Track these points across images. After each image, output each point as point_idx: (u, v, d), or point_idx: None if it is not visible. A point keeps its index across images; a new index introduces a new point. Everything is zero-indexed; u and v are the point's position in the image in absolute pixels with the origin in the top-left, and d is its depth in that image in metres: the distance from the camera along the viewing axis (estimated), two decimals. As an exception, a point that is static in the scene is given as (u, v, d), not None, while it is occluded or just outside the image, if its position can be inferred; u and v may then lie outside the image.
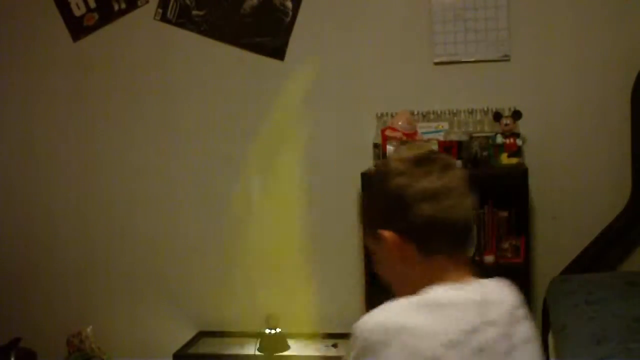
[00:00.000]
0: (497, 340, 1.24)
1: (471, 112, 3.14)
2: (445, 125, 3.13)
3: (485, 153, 3.01)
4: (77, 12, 3.50)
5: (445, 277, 1.29)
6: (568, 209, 3.11)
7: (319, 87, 3.32)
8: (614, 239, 3.00)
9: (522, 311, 1.33)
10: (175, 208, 3.51)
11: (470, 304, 1.25)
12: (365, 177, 1.51)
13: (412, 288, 1.29)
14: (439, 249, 1.29)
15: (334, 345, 3.23)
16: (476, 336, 1.21)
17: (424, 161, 1.30)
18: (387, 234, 1.30)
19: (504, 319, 1.27)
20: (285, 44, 3.32)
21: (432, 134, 3.09)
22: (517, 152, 3.00)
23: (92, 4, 3.48)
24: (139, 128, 3.52)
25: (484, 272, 3.22)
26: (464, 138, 3.03)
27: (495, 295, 1.30)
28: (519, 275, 2.96)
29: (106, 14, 3.47)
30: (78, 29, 3.51)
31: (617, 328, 2.24)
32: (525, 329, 1.31)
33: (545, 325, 2.80)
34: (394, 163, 1.32)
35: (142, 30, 3.44)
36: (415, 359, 1.18)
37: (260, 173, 3.42)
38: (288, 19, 3.30)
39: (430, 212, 1.27)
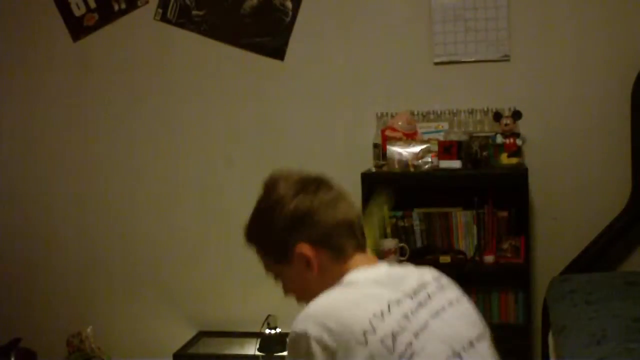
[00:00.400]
0: (421, 305, 1.33)
1: (471, 112, 3.14)
2: (445, 125, 3.13)
3: (485, 153, 3.01)
4: (77, 12, 3.50)
5: (355, 266, 1.42)
6: (568, 209, 3.11)
7: (319, 87, 3.32)
8: (614, 238, 3.00)
9: (444, 279, 1.45)
10: (175, 208, 3.51)
11: (387, 278, 1.38)
12: (260, 211, 1.45)
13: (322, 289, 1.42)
14: (346, 247, 1.43)
15: (334, 345, 3.23)
16: (400, 306, 1.31)
17: (308, 181, 1.51)
18: (302, 247, 1.41)
19: (424, 286, 1.38)
20: (285, 44, 3.32)
21: (432, 134, 3.10)
22: (517, 152, 3.00)
23: (92, 4, 3.48)
24: (139, 128, 3.52)
25: (484, 272, 3.20)
26: (464, 138, 3.03)
27: (410, 269, 1.46)
28: (519, 275, 2.97)
29: (106, 14, 3.47)
30: (78, 29, 3.51)
31: (617, 328, 2.24)
32: (451, 293, 1.41)
33: (545, 325, 2.80)
34: (282, 190, 1.48)
35: (142, 30, 3.45)
36: (347, 337, 1.25)
37: (260, 173, 3.42)
38: (288, 19, 3.30)
39: (335, 216, 1.44)
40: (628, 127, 3.02)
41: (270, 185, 1.53)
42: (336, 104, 3.31)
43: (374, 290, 1.34)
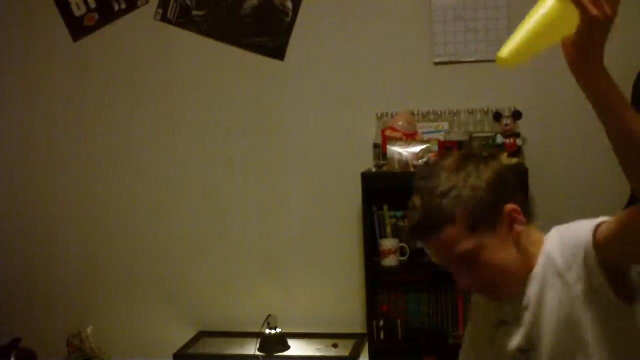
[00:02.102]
0: None
1: (471, 112, 3.14)
2: (445, 125, 3.13)
3: (485, 153, 3.00)
4: (77, 12, 3.50)
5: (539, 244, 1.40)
6: (568, 209, 3.11)
7: (318, 87, 3.32)
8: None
9: None
10: (175, 208, 3.51)
11: None
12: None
13: (524, 267, 1.38)
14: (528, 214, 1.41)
15: (334, 345, 3.23)
16: None
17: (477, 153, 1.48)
18: (510, 206, 1.36)
19: None
20: (285, 44, 3.32)
21: (432, 134, 3.10)
22: (517, 152, 3.00)
23: (92, 4, 3.48)
24: (139, 128, 3.52)
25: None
26: (464, 138, 3.03)
27: None
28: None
29: (106, 14, 3.47)
30: (78, 29, 3.51)
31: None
32: None
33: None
34: (463, 160, 1.40)
35: (142, 30, 3.44)
36: None
37: (260, 173, 3.42)
38: (288, 19, 3.30)
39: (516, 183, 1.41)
40: (628, 127, 3.01)
41: (436, 168, 1.40)
42: (336, 103, 3.31)
43: None
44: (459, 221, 1.33)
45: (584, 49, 1.19)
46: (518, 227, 1.37)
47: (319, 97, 3.32)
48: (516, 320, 1.43)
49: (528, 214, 1.41)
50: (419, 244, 3.10)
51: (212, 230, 3.48)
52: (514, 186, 1.40)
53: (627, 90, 3.00)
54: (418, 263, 3.06)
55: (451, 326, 3.11)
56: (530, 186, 2.97)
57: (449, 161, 1.40)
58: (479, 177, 1.35)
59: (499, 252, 1.35)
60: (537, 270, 1.38)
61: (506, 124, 3.00)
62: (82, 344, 3.42)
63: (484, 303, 1.51)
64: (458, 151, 1.48)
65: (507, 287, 1.39)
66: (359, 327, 3.24)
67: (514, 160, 2.98)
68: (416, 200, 1.39)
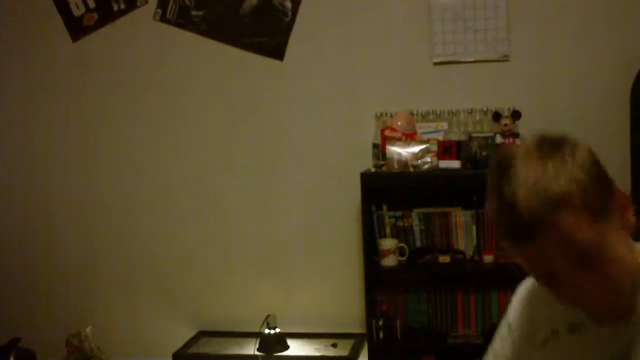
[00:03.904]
0: None
1: (470, 112, 3.14)
2: (444, 125, 3.13)
3: (484, 153, 3.00)
4: (77, 12, 3.50)
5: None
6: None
7: (318, 87, 3.32)
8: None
9: None
10: (175, 208, 3.51)
11: None
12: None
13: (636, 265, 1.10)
14: None
15: (334, 345, 3.23)
16: None
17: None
18: (619, 190, 1.11)
19: None
20: (284, 44, 3.31)
21: (432, 134, 3.10)
22: (516, 152, 2.99)
23: (92, 4, 3.48)
24: (138, 128, 3.52)
25: (483, 271, 3.19)
26: (463, 138, 3.03)
27: None
28: (519, 274, 2.96)
29: (105, 14, 3.47)
30: (77, 29, 3.51)
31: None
32: None
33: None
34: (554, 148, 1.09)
35: (141, 30, 3.44)
36: None
37: (259, 173, 3.42)
38: (287, 19, 3.30)
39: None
40: (628, 127, 3.02)
41: (531, 152, 1.08)
42: (335, 103, 3.31)
43: None
44: (578, 204, 1.04)
45: None
46: (631, 217, 1.11)
47: (318, 97, 3.32)
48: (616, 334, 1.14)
49: None
50: (418, 244, 3.10)
51: (212, 230, 3.48)
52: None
53: (627, 90, 3.00)
54: (417, 263, 3.06)
55: (450, 326, 3.10)
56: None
57: (530, 148, 1.10)
58: (579, 156, 1.08)
59: (621, 247, 1.06)
60: None
61: (505, 124, 3.00)
62: (81, 344, 3.42)
63: (546, 301, 1.22)
64: (530, 138, 1.13)
65: (622, 296, 1.09)
66: (358, 327, 3.24)
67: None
68: (508, 195, 1.06)
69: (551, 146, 1.09)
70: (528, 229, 1.05)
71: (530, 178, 1.05)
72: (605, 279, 1.06)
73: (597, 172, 1.08)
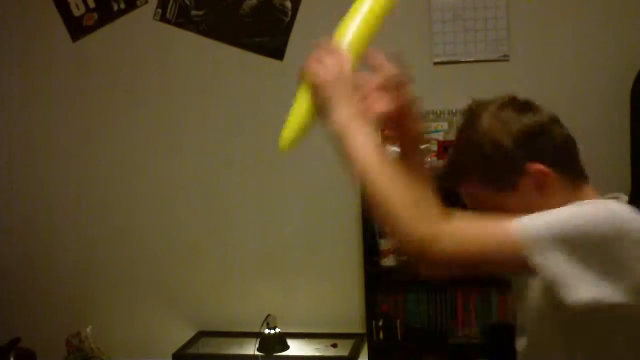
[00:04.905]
0: None
1: (470, 112, 3.13)
2: (444, 125, 3.12)
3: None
4: (77, 12, 3.50)
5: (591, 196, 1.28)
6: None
7: (318, 87, 3.31)
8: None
9: None
10: (175, 208, 3.51)
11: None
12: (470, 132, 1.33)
13: None
14: (581, 170, 1.34)
15: (334, 345, 3.23)
16: None
17: (527, 100, 1.35)
18: (535, 165, 1.26)
19: None
20: (284, 44, 3.31)
21: (431, 133, 3.09)
22: (516, 152, 2.99)
23: (92, 4, 3.48)
24: (138, 128, 3.52)
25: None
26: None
27: None
28: (518, 274, 2.96)
29: (105, 14, 3.47)
30: (77, 29, 3.51)
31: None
32: None
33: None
34: (499, 107, 1.32)
35: (141, 30, 3.44)
36: None
37: (259, 173, 3.42)
38: (287, 19, 3.30)
39: (563, 133, 1.31)
40: (628, 127, 3.02)
41: (480, 111, 1.34)
42: (335, 103, 3.30)
43: None
44: (477, 178, 1.31)
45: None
46: (547, 190, 1.27)
47: (318, 97, 3.31)
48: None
49: (575, 175, 1.33)
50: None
51: (212, 230, 3.48)
52: (552, 145, 1.29)
53: (627, 90, 3.00)
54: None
55: (450, 326, 3.10)
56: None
57: (492, 106, 1.32)
58: (508, 130, 1.27)
59: (518, 211, 1.21)
60: None
61: (505, 124, 2.99)
62: (81, 344, 3.42)
63: None
64: (505, 95, 1.37)
65: None
66: (358, 327, 3.24)
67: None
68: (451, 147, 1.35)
69: (500, 111, 1.30)
70: (446, 183, 1.36)
71: (457, 141, 1.37)
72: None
73: (513, 150, 1.26)
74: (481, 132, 1.30)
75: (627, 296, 1.10)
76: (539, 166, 1.26)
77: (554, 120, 1.33)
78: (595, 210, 1.19)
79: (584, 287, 1.10)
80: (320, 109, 1.36)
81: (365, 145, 1.33)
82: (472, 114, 1.36)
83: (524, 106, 1.32)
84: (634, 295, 1.11)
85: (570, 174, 1.31)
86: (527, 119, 1.29)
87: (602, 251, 1.12)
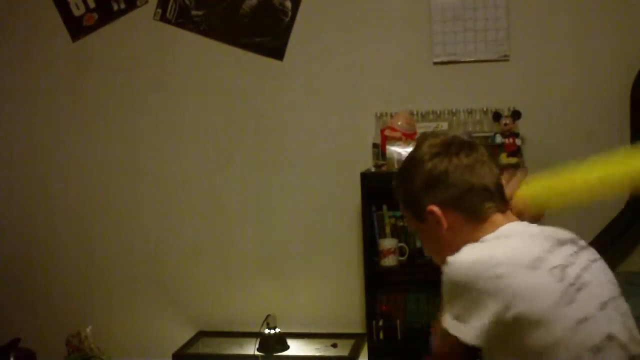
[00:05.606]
0: (580, 249, 1.43)
1: (470, 112, 3.14)
2: (444, 125, 3.13)
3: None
4: (77, 12, 3.50)
5: (495, 227, 1.45)
6: (567, 209, 3.10)
7: (318, 87, 3.32)
8: (614, 239, 3.00)
9: (582, 241, 1.49)
10: (175, 208, 3.51)
11: (536, 232, 1.45)
12: (392, 169, 1.59)
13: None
14: (480, 210, 1.46)
15: (334, 345, 3.23)
16: (563, 247, 1.40)
17: (452, 143, 1.51)
18: (433, 208, 1.46)
19: (575, 240, 1.46)
20: (284, 44, 3.31)
21: (432, 134, 3.09)
22: (516, 152, 2.99)
23: (92, 4, 3.48)
24: (138, 128, 3.52)
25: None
26: (464, 138, 3.02)
27: (553, 228, 1.49)
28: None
29: (105, 13, 3.47)
30: (77, 28, 3.51)
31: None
32: (591, 252, 1.47)
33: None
34: (426, 148, 1.50)
35: (141, 30, 3.44)
36: (515, 267, 1.31)
37: (259, 173, 3.42)
38: (287, 19, 3.30)
39: (469, 180, 1.46)
40: (628, 127, 3.02)
41: (418, 143, 1.55)
42: (335, 104, 3.30)
43: (531, 239, 1.41)
44: (403, 206, 1.56)
45: None
46: (444, 226, 1.46)
47: (318, 97, 3.32)
48: None
49: (475, 215, 1.46)
50: (418, 244, 3.11)
51: (212, 230, 3.48)
52: (453, 191, 1.45)
53: (627, 90, 3.00)
54: (417, 263, 3.06)
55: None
56: (530, 186, 2.97)
57: (428, 144, 1.51)
58: (421, 173, 1.47)
59: (430, 238, 1.52)
60: None
61: (505, 124, 3.00)
62: (81, 344, 3.42)
63: None
64: (444, 136, 1.57)
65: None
66: (358, 327, 3.24)
67: (514, 160, 2.98)
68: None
69: (434, 152, 1.49)
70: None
71: (400, 170, 1.58)
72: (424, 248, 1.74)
73: (420, 192, 1.48)
74: (410, 165, 1.52)
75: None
76: (434, 208, 1.46)
77: (470, 167, 1.47)
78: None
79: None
80: None
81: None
82: (416, 143, 1.56)
83: (452, 150, 1.48)
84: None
85: (470, 216, 1.46)
86: (438, 164, 1.46)
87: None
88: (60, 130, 3.59)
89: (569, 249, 1.41)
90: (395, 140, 3.02)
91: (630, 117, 3.01)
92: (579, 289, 1.33)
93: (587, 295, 1.33)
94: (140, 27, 3.44)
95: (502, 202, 1.50)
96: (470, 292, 1.32)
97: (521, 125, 3.02)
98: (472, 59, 3.16)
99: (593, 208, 3.09)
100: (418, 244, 3.10)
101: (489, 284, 1.30)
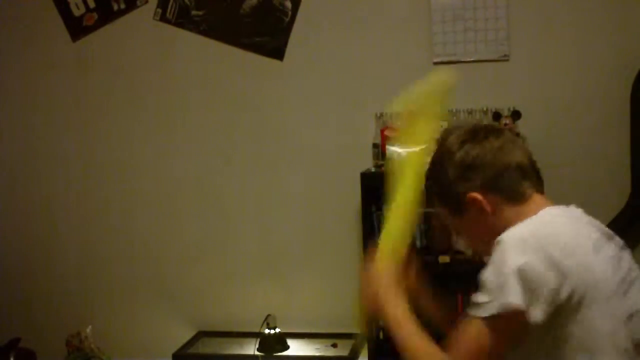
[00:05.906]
0: (621, 250, 1.43)
1: (470, 112, 3.13)
2: (444, 125, 3.12)
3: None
4: (77, 12, 3.50)
5: (539, 208, 1.45)
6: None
7: (318, 87, 3.32)
8: (614, 239, 3.00)
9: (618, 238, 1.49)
10: (175, 208, 3.51)
11: (585, 219, 1.48)
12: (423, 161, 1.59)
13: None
14: (520, 189, 1.46)
15: (334, 345, 3.23)
16: (608, 244, 1.40)
17: (478, 129, 1.52)
18: (473, 195, 1.45)
19: (614, 236, 1.46)
20: (284, 44, 3.31)
21: (432, 133, 3.09)
22: (516, 152, 2.99)
23: (92, 4, 3.48)
24: (138, 128, 3.52)
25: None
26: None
27: (596, 220, 1.51)
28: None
29: (105, 13, 3.47)
30: (77, 29, 3.51)
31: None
32: (629, 252, 1.47)
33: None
34: (452, 139, 1.49)
35: (141, 30, 3.44)
36: (568, 261, 1.29)
37: (259, 173, 3.42)
38: (287, 19, 3.30)
39: (504, 160, 1.45)
40: (627, 127, 3.02)
41: (441, 139, 1.54)
42: (335, 103, 3.31)
43: (586, 225, 1.43)
44: (438, 201, 1.56)
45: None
46: (488, 210, 1.46)
47: (318, 97, 3.32)
48: None
49: (515, 196, 1.47)
50: (418, 244, 3.10)
51: (212, 230, 3.48)
52: (488, 175, 1.45)
53: (627, 90, 3.00)
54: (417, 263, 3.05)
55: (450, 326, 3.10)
56: (530, 186, 2.97)
57: (454, 136, 1.51)
58: (453, 164, 1.47)
59: (473, 228, 1.52)
60: None
61: (505, 124, 3.00)
62: (81, 344, 3.42)
63: None
64: (466, 126, 1.58)
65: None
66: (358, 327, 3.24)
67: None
68: None
69: (459, 144, 1.48)
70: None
71: (430, 165, 1.56)
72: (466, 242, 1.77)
73: (453, 184, 1.47)
74: (440, 160, 1.51)
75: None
76: (474, 194, 1.45)
77: (501, 148, 1.47)
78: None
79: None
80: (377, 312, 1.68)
81: (397, 317, 1.61)
82: (440, 139, 1.55)
83: (480, 135, 1.49)
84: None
85: (510, 197, 1.46)
86: (470, 150, 1.46)
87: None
88: (60, 130, 3.60)
89: (618, 242, 1.42)
90: (395, 140, 3.01)
91: (630, 117, 3.01)
92: (631, 283, 1.34)
93: (637, 291, 1.35)
94: (140, 27, 3.44)
95: (538, 181, 1.50)
96: (532, 266, 1.29)
97: (521, 125, 3.02)
98: (472, 59, 3.16)
99: (593, 208, 3.09)
100: (418, 244, 3.10)
101: (555, 256, 1.28)
